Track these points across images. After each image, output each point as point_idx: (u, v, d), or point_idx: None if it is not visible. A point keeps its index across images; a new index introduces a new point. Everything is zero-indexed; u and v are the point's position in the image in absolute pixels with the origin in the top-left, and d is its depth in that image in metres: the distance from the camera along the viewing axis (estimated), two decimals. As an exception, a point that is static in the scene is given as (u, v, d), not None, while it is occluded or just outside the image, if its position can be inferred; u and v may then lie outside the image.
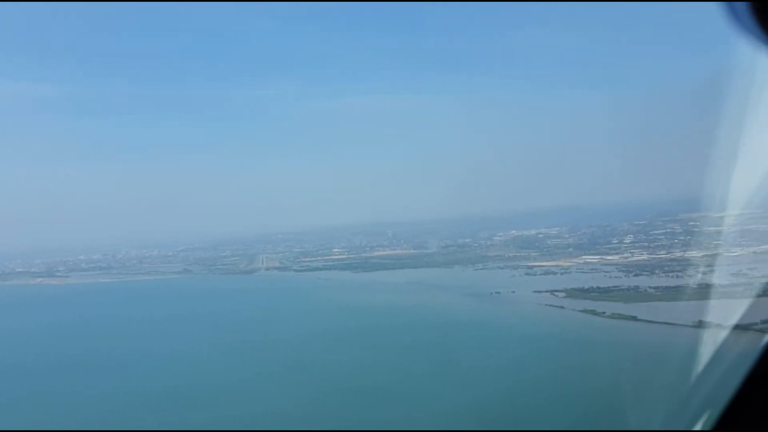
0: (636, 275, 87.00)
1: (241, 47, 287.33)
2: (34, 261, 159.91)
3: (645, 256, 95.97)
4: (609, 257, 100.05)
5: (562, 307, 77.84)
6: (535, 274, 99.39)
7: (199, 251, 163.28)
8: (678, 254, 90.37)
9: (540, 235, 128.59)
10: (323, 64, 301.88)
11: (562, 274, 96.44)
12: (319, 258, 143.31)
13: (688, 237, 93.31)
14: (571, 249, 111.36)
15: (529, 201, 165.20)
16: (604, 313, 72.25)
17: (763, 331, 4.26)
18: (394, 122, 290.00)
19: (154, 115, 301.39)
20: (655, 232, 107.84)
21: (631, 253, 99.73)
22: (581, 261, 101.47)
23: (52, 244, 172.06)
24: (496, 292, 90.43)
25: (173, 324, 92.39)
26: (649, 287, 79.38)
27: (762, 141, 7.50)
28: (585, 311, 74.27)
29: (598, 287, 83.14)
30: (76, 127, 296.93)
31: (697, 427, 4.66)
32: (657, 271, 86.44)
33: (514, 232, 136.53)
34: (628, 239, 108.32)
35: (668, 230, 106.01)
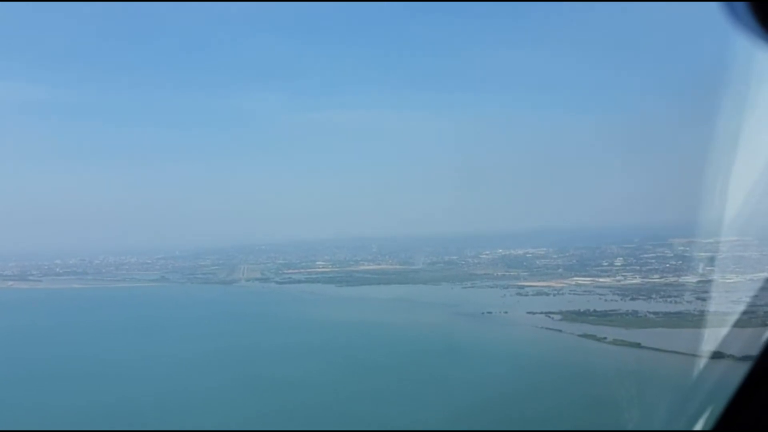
0: (632, 299, 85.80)
1: (225, 57, 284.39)
2: (8, 264, 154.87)
3: (638, 280, 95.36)
4: (601, 279, 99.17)
5: (560, 331, 75.69)
6: (526, 295, 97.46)
7: (179, 260, 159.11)
8: (672, 279, 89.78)
9: (528, 255, 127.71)
10: (309, 76, 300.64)
11: (554, 295, 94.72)
12: (303, 270, 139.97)
13: (680, 262, 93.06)
14: (561, 270, 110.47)
15: (513, 221, 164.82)
16: (606, 338, 69.85)
17: None
18: (380, 137, 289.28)
19: (137, 121, 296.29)
20: (646, 255, 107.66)
21: (623, 276, 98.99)
22: (573, 282, 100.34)
23: (29, 248, 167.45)
24: (488, 312, 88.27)
25: (130, 333, 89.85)
26: (649, 312, 78.09)
27: (751, 169, 7.43)
28: (585, 336, 71.86)
29: (595, 310, 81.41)
30: (59, 130, 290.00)
31: (698, 427, 4.77)
32: (654, 296, 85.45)
33: (500, 250, 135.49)
34: (618, 262, 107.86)
35: (659, 254, 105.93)
